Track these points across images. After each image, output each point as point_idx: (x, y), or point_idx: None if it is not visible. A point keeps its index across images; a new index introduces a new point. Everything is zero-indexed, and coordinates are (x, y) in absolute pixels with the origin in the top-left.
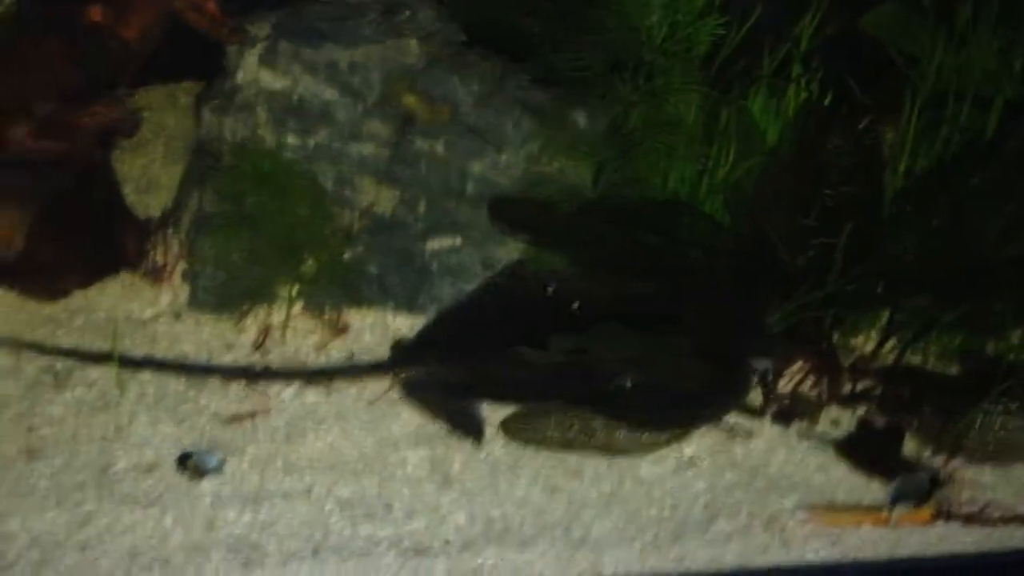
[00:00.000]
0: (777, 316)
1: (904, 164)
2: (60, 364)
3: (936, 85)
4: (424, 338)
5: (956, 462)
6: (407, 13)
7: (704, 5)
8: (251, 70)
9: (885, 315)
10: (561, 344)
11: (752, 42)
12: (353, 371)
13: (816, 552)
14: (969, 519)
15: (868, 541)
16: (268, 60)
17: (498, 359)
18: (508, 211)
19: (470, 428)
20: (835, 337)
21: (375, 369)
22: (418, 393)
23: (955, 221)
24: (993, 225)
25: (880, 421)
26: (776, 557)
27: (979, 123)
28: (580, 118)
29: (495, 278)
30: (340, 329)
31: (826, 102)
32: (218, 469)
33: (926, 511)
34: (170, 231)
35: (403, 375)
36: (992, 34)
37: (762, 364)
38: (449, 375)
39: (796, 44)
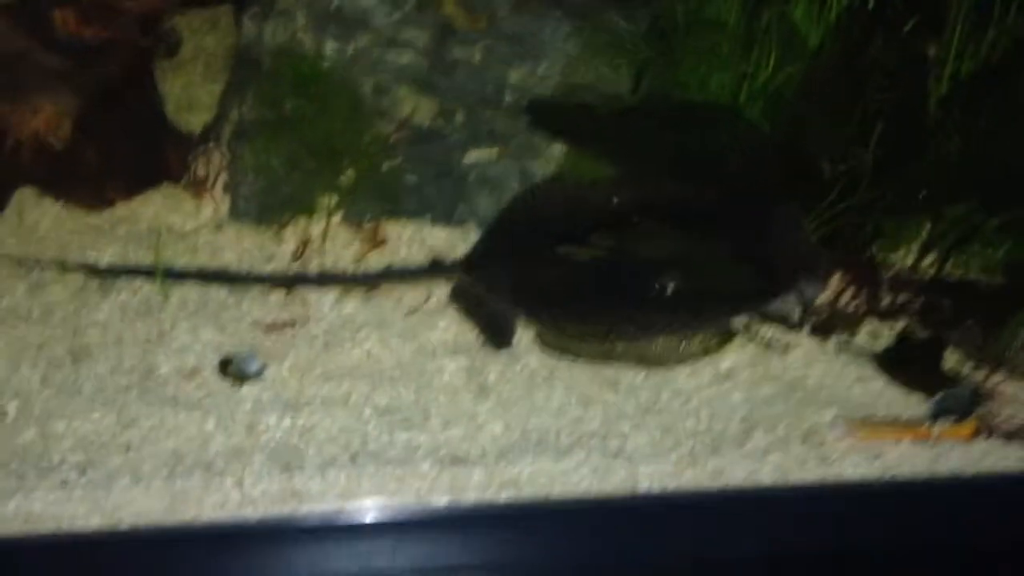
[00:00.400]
0: (814, 223)
1: (950, 69)
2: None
3: None
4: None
5: (998, 377)
6: None
7: None
8: None
9: (926, 228)
10: (602, 240)
11: None
12: (402, 275)
13: (855, 467)
14: (1012, 436)
15: (909, 456)
16: None
17: (540, 262)
18: (547, 114)
19: (495, 332)
20: (875, 249)
21: (421, 274)
22: (459, 299)
23: (1001, 126)
24: None
25: (921, 334)
26: (815, 472)
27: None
28: (620, 20)
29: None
30: (379, 241)
31: (869, 6)
32: (258, 375)
33: (968, 426)
34: (211, 144)
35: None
36: None
37: (812, 291)
38: (492, 280)
39: None
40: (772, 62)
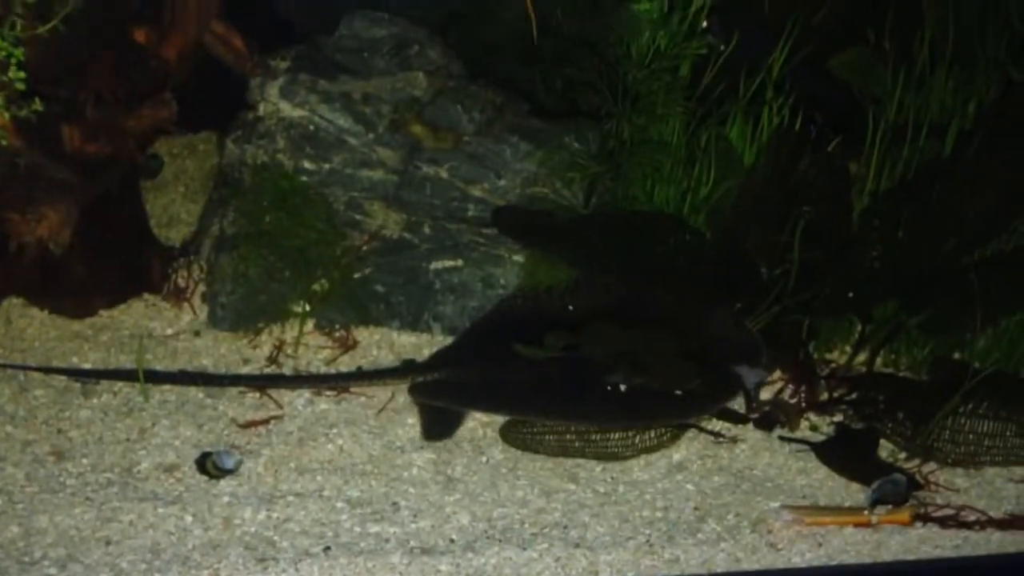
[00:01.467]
0: (754, 322)
1: (870, 185)
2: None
3: (897, 118)
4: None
5: (929, 465)
6: (416, 48)
7: (687, 31)
8: (272, 101)
9: (857, 329)
10: (556, 341)
11: (729, 69)
12: (368, 377)
13: (803, 554)
14: (946, 522)
15: (852, 543)
16: (288, 91)
17: (496, 365)
18: (511, 218)
19: (435, 429)
20: (811, 348)
21: (388, 375)
22: (418, 397)
23: (916, 234)
24: (950, 237)
25: (856, 426)
26: (766, 558)
27: (936, 149)
28: (572, 141)
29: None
30: (349, 345)
31: (797, 127)
32: (235, 470)
33: (905, 513)
34: (191, 256)
35: (412, 381)
36: (947, 74)
37: (756, 377)
38: (451, 381)
39: (769, 72)
40: (711, 177)
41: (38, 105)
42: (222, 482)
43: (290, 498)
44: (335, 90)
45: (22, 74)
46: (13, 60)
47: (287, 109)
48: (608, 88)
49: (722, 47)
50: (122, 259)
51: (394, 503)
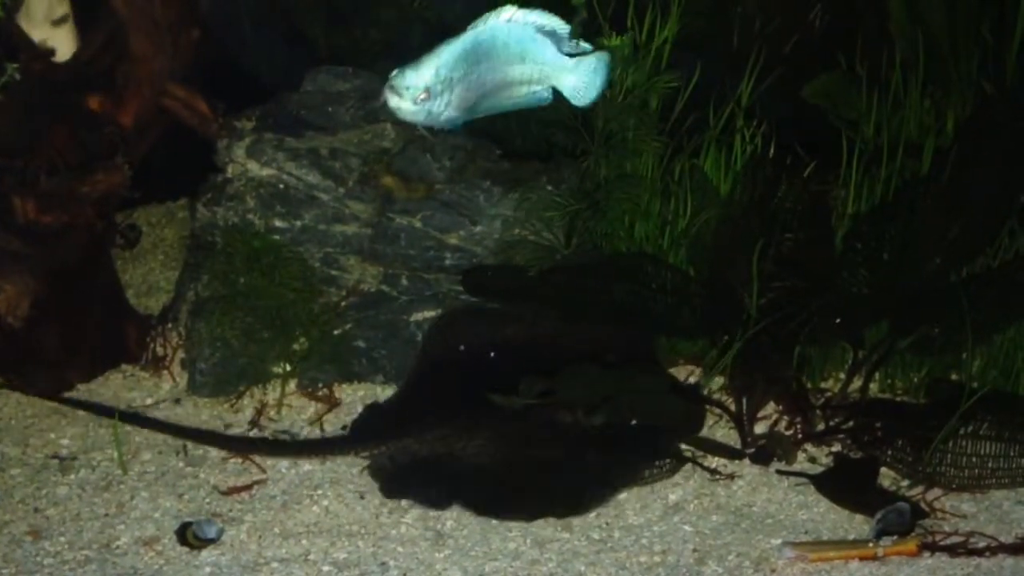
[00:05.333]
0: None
1: (850, 208)
2: (65, 450)
3: (874, 140)
4: (383, 413)
5: (934, 492)
6: (382, 99)
7: (655, 65)
8: (239, 162)
9: (849, 355)
10: (531, 387)
11: (697, 100)
12: (322, 448)
13: None
14: (955, 550)
15: None
16: (255, 151)
17: (460, 427)
18: (481, 279)
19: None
20: (804, 377)
21: (341, 447)
22: (381, 478)
23: (901, 255)
24: (935, 256)
25: (855, 455)
26: None
27: (914, 168)
28: (547, 182)
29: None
30: (332, 403)
31: (770, 154)
32: (217, 539)
33: (912, 543)
34: (169, 323)
35: (368, 454)
36: (921, 93)
37: None
38: (410, 450)
39: (738, 100)
40: (689, 209)
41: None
42: (204, 552)
43: (275, 564)
44: (302, 146)
45: None
46: None
47: (255, 169)
48: (581, 126)
49: (691, 78)
50: (96, 330)
51: (382, 563)
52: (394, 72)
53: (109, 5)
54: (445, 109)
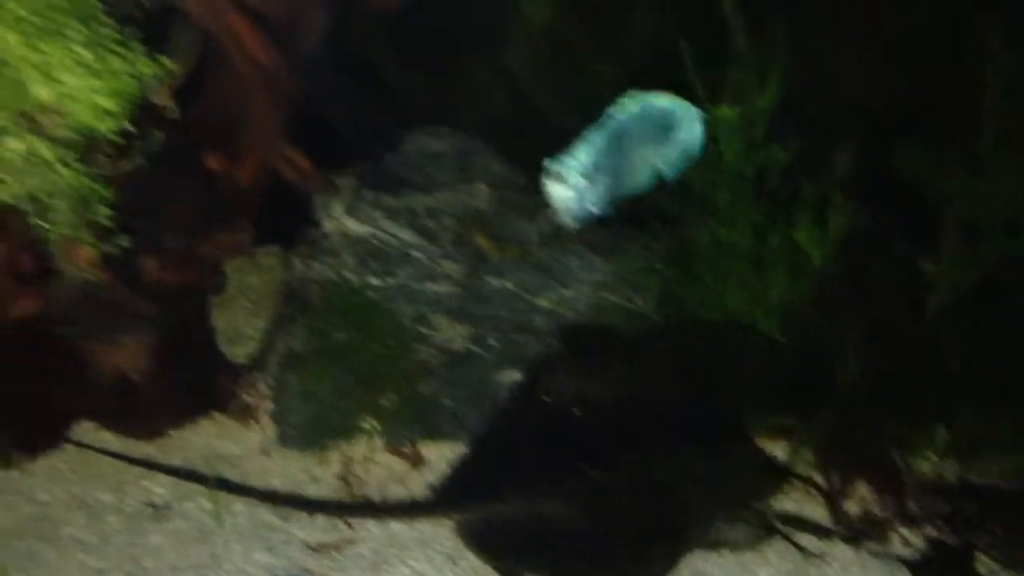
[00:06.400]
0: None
1: (944, 285)
2: (159, 499)
3: (966, 212)
4: (470, 473)
5: None
6: (479, 161)
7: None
8: (337, 217)
9: (943, 435)
10: (628, 463)
11: (794, 170)
12: (411, 511)
13: None
14: None
15: None
16: (353, 208)
17: (546, 493)
18: (573, 339)
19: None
20: (897, 456)
21: (430, 510)
22: (474, 543)
23: (998, 336)
24: None
25: (950, 540)
26: None
27: (1011, 246)
28: (641, 248)
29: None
30: (418, 461)
31: (865, 227)
32: None
33: None
34: (257, 373)
35: (457, 519)
36: (1013, 161)
37: None
38: (500, 515)
39: (833, 172)
40: (782, 280)
41: (124, 241)
42: None
43: None
44: (399, 205)
45: (107, 211)
46: (99, 198)
47: (352, 225)
48: (679, 192)
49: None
50: (190, 378)
51: None
52: (552, 160)
53: (231, 66)
54: (599, 193)
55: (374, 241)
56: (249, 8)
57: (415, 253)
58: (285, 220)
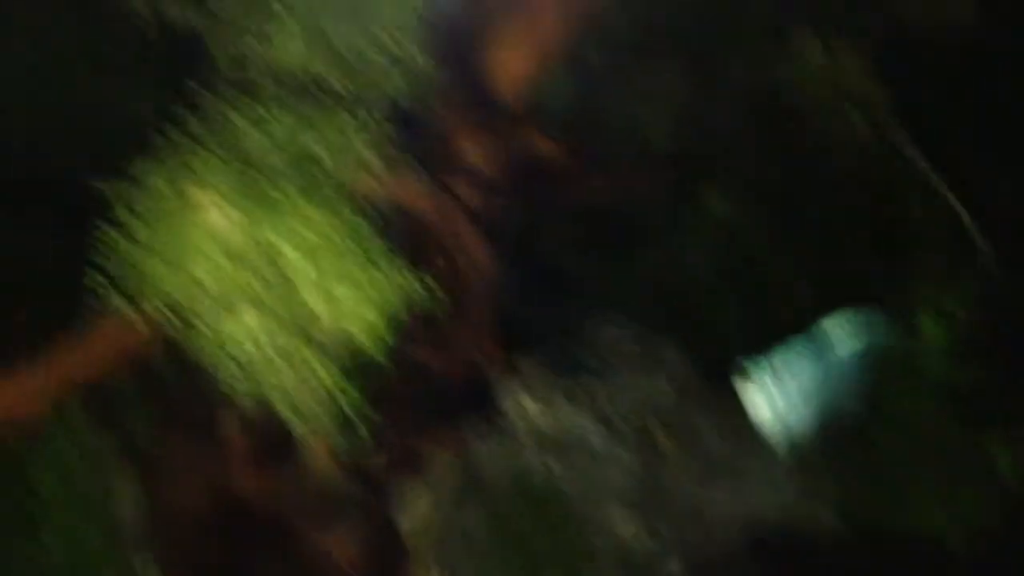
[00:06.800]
0: None
1: None
2: None
3: None
4: None
5: None
6: (658, 350)
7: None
8: (517, 400)
9: None
10: None
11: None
12: None
13: None
14: None
15: None
16: (533, 391)
17: None
18: (760, 545)
19: None
20: None
21: None
22: None
23: None
24: None
25: None
26: None
27: None
28: (825, 452)
29: None
30: None
31: None
32: None
33: None
34: (428, 557)
35: None
36: None
37: None
38: None
39: None
40: (973, 497)
41: (364, 437)
42: None
43: None
44: (579, 391)
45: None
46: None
47: (531, 409)
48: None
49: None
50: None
51: None
52: (749, 360)
53: (471, 256)
54: (796, 405)
55: (553, 425)
56: (475, 214)
57: (593, 439)
58: (468, 401)
